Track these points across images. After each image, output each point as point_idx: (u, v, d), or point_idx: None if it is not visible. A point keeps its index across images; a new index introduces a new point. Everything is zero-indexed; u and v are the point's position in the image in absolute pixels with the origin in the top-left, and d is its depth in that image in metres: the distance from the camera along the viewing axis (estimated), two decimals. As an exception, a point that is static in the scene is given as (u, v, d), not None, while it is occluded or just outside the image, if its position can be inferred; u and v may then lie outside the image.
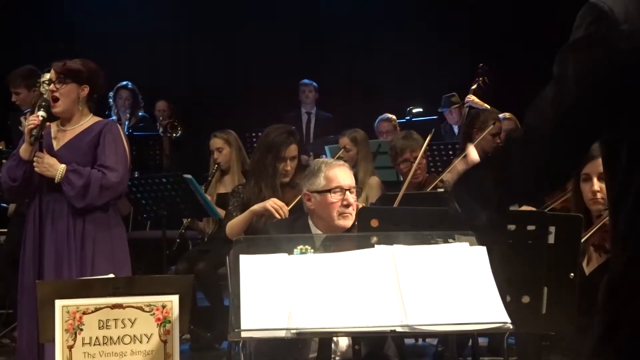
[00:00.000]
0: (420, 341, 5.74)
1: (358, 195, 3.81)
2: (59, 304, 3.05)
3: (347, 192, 3.61)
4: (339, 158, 6.09)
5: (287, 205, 4.21)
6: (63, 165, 4.08)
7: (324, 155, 6.90)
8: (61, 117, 4.21)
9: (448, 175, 5.70)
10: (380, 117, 7.74)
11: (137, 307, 3.10)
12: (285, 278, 2.76)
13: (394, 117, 7.73)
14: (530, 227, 3.31)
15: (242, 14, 9.71)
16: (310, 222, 3.66)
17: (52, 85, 4.12)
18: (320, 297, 2.70)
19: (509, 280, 3.06)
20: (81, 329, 3.06)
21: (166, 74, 9.44)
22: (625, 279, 1.61)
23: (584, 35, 1.60)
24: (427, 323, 2.65)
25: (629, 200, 1.59)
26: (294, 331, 2.63)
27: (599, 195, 3.36)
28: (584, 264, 3.42)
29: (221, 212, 5.38)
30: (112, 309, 3.09)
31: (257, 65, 9.64)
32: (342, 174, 3.65)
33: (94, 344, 3.07)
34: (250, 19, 9.65)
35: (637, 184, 1.59)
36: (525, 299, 3.26)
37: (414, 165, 5.16)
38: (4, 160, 5.15)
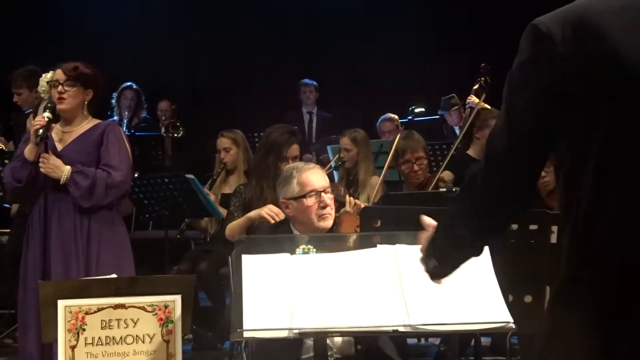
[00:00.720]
0: (422, 341, 5.74)
1: (352, 193, 3.80)
2: (61, 304, 3.05)
3: (322, 194, 3.61)
4: (340, 158, 6.12)
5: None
6: (68, 167, 4.12)
7: (326, 155, 6.91)
8: (65, 119, 4.24)
9: (446, 173, 5.71)
10: (382, 116, 7.74)
11: (139, 307, 3.11)
12: (287, 278, 2.76)
13: (396, 116, 7.72)
14: (533, 227, 3.31)
15: (243, 14, 9.71)
16: (292, 228, 3.66)
17: (60, 87, 4.16)
18: (323, 297, 2.70)
19: (512, 279, 3.06)
20: (84, 329, 3.06)
21: (167, 74, 9.43)
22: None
23: (528, 57, 1.68)
24: (430, 323, 2.65)
25: (575, 212, 1.64)
26: (297, 331, 2.63)
27: None
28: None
29: (224, 212, 5.38)
30: (114, 309, 3.09)
31: (258, 65, 9.64)
32: (314, 177, 3.64)
33: (97, 344, 3.07)
34: (251, 18, 9.65)
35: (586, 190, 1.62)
36: (528, 299, 3.27)
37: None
38: (6, 161, 5.15)
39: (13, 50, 8.62)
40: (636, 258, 1.58)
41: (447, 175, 5.76)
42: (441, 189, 4.95)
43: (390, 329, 2.66)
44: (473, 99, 7.30)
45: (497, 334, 4.61)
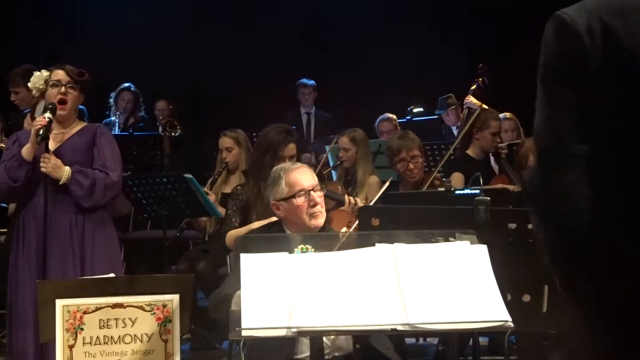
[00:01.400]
0: (420, 340, 5.74)
1: (350, 192, 3.80)
2: (59, 303, 3.05)
3: (312, 192, 3.60)
4: (339, 157, 6.12)
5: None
6: (68, 167, 4.18)
7: (323, 155, 6.90)
8: (57, 121, 4.27)
9: (456, 175, 5.68)
10: (380, 116, 7.74)
11: (137, 307, 3.11)
12: (285, 277, 2.76)
13: (394, 116, 7.73)
14: (531, 226, 3.31)
15: (241, 14, 9.70)
16: (285, 229, 3.66)
17: (63, 88, 4.24)
18: (321, 295, 2.70)
19: (510, 278, 3.06)
20: (82, 329, 3.06)
21: (166, 73, 9.42)
22: None
23: (555, 52, 1.63)
24: (428, 322, 2.65)
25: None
26: (295, 330, 2.63)
27: None
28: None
29: (223, 212, 5.38)
30: (112, 308, 3.09)
31: (257, 65, 9.63)
32: (302, 176, 3.63)
33: (95, 344, 3.07)
34: (250, 18, 9.64)
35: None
36: (526, 298, 3.27)
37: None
38: None
39: (11, 50, 8.60)
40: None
41: (457, 177, 5.75)
42: (439, 189, 4.95)
43: (389, 327, 2.66)
44: (471, 99, 7.31)
45: (495, 333, 4.62)
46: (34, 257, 4.17)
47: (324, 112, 8.94)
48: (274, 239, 3.30)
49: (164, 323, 3.10)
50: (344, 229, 4.00)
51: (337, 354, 3.29)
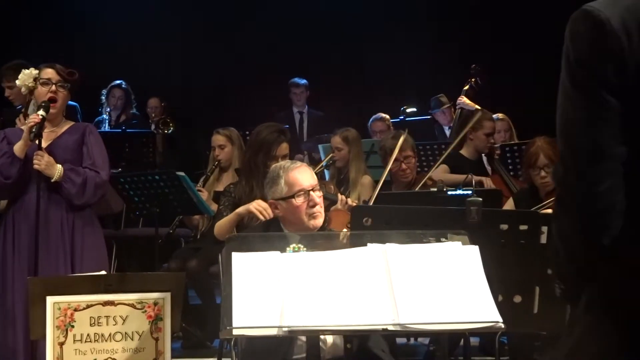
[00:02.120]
0: (412, 340, 5.75)
1: (342, 192, 3.78)
2: (50, 300, 3.05)
3: (311, 192, 3.57)
4: (331, 157, 6.12)
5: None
6: (60, 165, 4.20)
7: (316, 154, 6.90)
8: (49, 119, 4.28)
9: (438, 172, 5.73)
10: (373, 116, 7.74)
11: (128, 304, 3.10)
12: (277, 276, 2.75)
13: (387, 116, 7.73)
14: (523, 227, 3.32)
15: (235, 13, 9.70)
16: (283, 227, 3.64)
17: (54, 87, 4.27)
18: (313, 295, 2.70)
19: (501, 279, 3.07)
20: (72, 326, 3.06)
21: (159, 72, 9.41)
22: None
23: (584, 47, 1.57)
24: (419, 322, 2.65)
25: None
26: (286, 329, 2.63)
27: None
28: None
29: (215, 209, 5.37)
30: (103, 305, 3.09)
31: (250, 64, 9.63)
32: (301, 176, 3.60)
33: (85, 341, 3.07)
34: (243, 17, 9.63)
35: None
36: (517, 299, 3.27)
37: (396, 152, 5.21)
38: None
39: (8, 49, 8.57)
40: None
41: (442, 169, 5.80)
42: (432, 189, 4.95)
43: (380, 327, 2.66)
44: (464, 99, 7.34)
45: (486, 334, 4.63)
46: (25, 254, 4.17)
47: (316, 112, 8.93)
48: (266, 237, 3.28)
49: (155, 321, 3.10)
50: (344, 230, 3.98)
51: (331, 355, 3.28)
